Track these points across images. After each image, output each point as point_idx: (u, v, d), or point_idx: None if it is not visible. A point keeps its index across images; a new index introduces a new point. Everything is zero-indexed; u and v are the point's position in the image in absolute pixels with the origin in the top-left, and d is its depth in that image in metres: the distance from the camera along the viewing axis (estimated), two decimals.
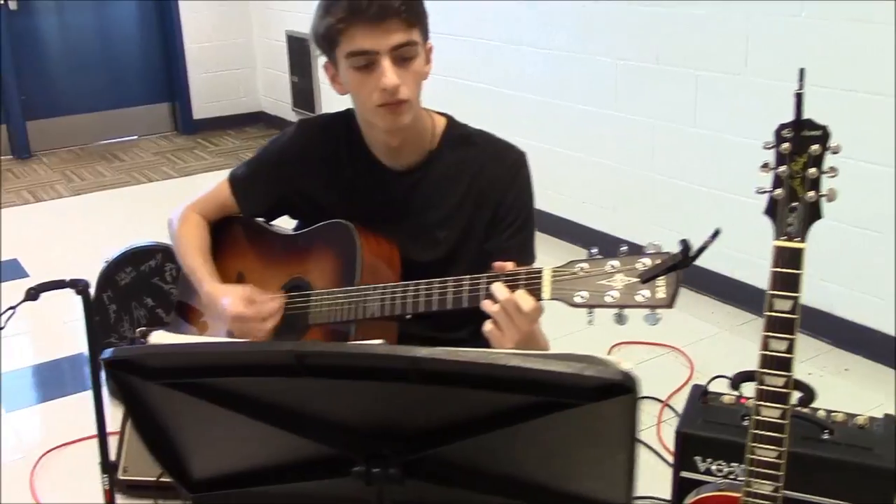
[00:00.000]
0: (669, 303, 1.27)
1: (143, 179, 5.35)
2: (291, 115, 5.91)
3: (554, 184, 4.08)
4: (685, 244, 1.26)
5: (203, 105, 6.28)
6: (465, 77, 4.45)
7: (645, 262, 1.29)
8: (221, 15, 6.15)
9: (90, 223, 4.58)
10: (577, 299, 1.31)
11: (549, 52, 3.95)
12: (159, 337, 0.99)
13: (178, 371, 0.95)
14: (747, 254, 3.20)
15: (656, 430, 2.61)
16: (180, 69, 6.13)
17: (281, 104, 6.16)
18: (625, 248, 1.34)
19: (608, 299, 1.29)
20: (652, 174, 3.61)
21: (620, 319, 1.30)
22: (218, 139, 6.10)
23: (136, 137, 6.22)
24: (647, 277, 1.27)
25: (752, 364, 2.84)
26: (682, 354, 3.02)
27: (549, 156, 4.07)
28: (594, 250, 1.34)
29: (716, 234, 1.24)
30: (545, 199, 4.14)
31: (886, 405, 2.62)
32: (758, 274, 3.21)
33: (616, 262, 1.31)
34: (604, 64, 3.71)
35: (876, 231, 2.90)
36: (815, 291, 3.11)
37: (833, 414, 1.93)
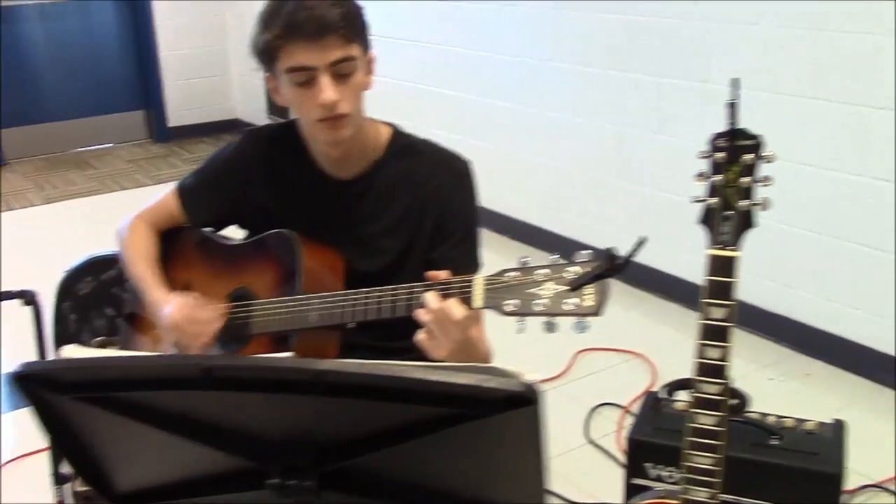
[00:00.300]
0: (597, 311, 1.28)
1: (115, 188, 5.33)
2: (267, 122, 5.89)
3: (520, 189, 4.10)
4: (612, 252, 1.27)
5: (178, 112, 6.26)
6: (432, 83, 4.47)
7: (575, 270, 1.30)
8: (196, 22, 6.15)
9: (61, 232, 4.56)
10: (508, 308, 1.31)
11: (516, 59, 3.97)
12: (71, 351, 0.99)
13: (88, 385, 0.95)
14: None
15: (616, 436, 2.62)
16: (155, 76, 6.11)
17: (256, 111, 6.15)
18: (556, 255, 1.34)
19: (537, 307, 1.29)
20: (618, 180, 3.63)
21: (550, 328, 1.31)
22: (193, 147, 6.09)
23: (110, 145, 6.20)
24: (576, 285, 1.28)
25: (734, 374, 2.84)
26: (646, 360, 3.03)
27: (515, 161, 4.10)
28: (526, 258, 1.35)
29: (641, 242, 1.25)
30: (512, 204, 4.19)
31: (845, 410, 2.63)
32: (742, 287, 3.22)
33: (546, 271, 1.31)
34: (569, 71, 3.73)
35: (835, 237, 2.93)
36: (778, 297, 3.14)
37: (783, 419, 1.94)
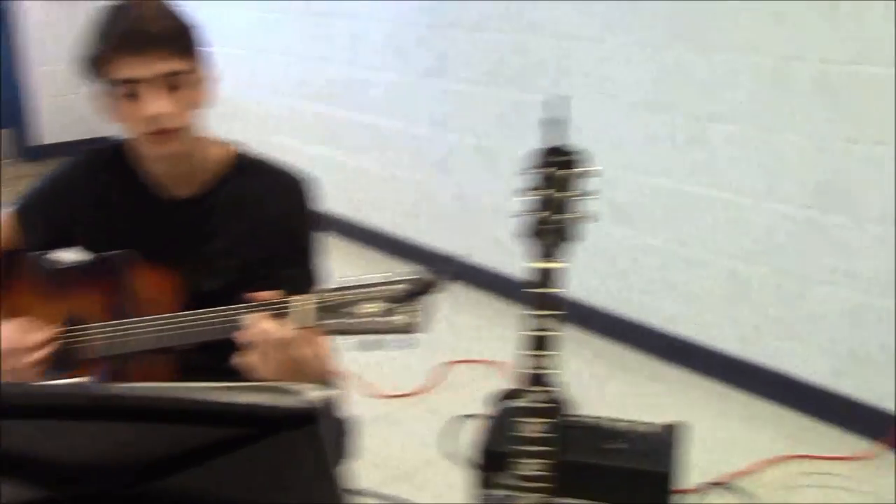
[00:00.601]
0: (418, 328, 1.30)
1: None
2: None
3: (387, 202, 4.15)
4: (434, 270, 1.31)
5: (51, 131, 6.05)
6: (301, 97, 4.48)
7: (398, 288, 1.32)
8: (71, 36, 5.95)
9: None
10: (331, 326, 1.33)
11: (383, 74, 4.02)
12: None
13: None
14: (582, 274, 3.33)
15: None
16: (24, 93, 5.90)
17: None
18: (387, 273, 1.37)
19: (359, 325, 1.31)
20: (483, 192, 3.70)
21: (374, 345, 1.33)
22: None
23: None
24: (398, 303, 1.30)
25: (585, 379, 2.93)
26: (512, 370, 3.09)
27: (383, 175, 4.16)
28: (354, 277, 1.36)
29: (462, 261, 1.29)
30: (378, 216, 4.24)
31: (694, 411, 2.75)
32: (594, 294, 3.34)
33: (371, 289, 1.33)
34: (434, 87, 3.80)
35: (676, 243, 3.07)
36: (639, 306, 3.26)
37: (619, 422, 2.02)
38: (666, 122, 3.00)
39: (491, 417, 2.13)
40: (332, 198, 4.25)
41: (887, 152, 2.53)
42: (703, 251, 3.01)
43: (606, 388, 2.99)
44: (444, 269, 1.33)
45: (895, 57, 2.46)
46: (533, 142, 3.37)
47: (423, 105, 3.87)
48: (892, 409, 2.64)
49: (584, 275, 3.28)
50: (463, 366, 3.14)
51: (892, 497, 2.44)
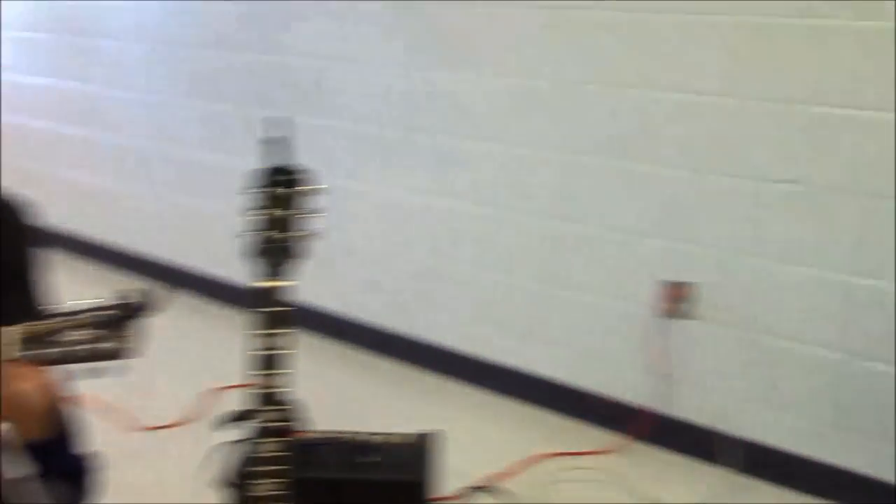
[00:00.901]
0: (130, 353, 1.27)
1: None
2: None
3: (131, 221, 4.08)
4: (145, 294, 1.27)
5: None
6: (56, 120, 4.29)
7: (107, 313, 1.28)
8: None
9: None
10: (37, 356, 1.26)
11: (118, 93, 3.99)
12: None
13: None
14: (336, 287, 3.36)
15: None
16: None
17: None
18: (98, 298, 1.32)
19: (68, 354, 1.26)
20: (231, 212, 3.67)
21: (88, 373, 1.28)
22: None
23: None
24: (108, 328, 1.26)
25: (344, 393, 2.90)
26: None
27: (122, 194, 4.10)
28: (62, 303, 1.31)
29: (174, 288, 1.27)
30: (121, 235, 4.11)
31: (450, 420, 2.83)
32: (350, 307, 3.37)
33: (79, 315, 1.28)
34: (201, 109, 3.74)
35: (431, 255, 3.17)
36: (396, 317, 3.34)
37: (378, 436, 2.05)
38: (418, 139, 3.10)
39: (246, 440, 2.10)
40: (68, 216, 4.11)
41: (618, 164, 2.75)
42: (456, 262, 3.14)
43: (366, 401, 3.03)
44: (160, 288, 1.31)
45: (616, 75, 2.68)
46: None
47: (160, 122, 3.87)
48: (633, 401, 2.84)
49: (337, 287, 3.33)
50: (233, 391, 3.07)
51: (642, 484, 2.61)
